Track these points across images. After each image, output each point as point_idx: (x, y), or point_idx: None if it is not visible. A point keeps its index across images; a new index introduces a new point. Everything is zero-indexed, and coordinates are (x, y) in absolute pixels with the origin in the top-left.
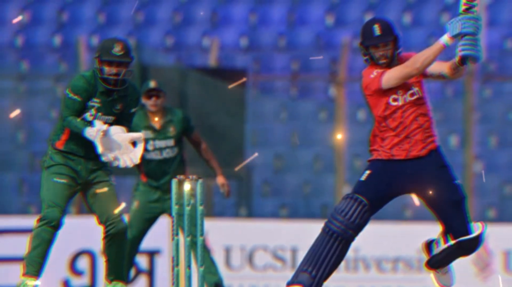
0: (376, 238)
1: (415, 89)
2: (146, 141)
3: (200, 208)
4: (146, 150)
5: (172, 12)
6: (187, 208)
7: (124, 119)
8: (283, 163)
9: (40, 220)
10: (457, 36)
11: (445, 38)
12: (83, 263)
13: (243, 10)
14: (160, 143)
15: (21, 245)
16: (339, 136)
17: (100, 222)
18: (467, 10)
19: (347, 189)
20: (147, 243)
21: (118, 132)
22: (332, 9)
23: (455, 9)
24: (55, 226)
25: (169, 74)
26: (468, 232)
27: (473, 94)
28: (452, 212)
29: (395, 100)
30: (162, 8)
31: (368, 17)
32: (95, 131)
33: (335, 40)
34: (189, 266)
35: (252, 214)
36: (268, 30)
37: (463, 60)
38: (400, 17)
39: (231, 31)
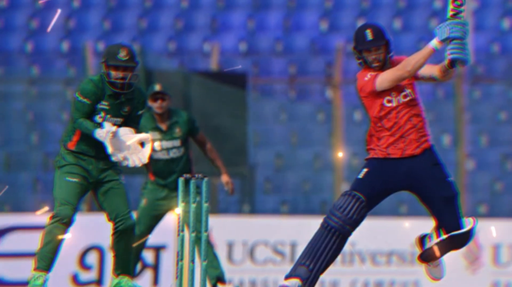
0: (372, 232)
1: (408, 90)
2: (154, 141)
3: (205, 205)
4: (153, 150)
5: (174, 19)
6: (193, 205)
7: (132, 121)
8: (283, 162)
9: (52, 217)
10: (445, 41)
11: (434, 42)
12: (92, 258)
13: (242, 17)
14: (167, 144)
15: (36, 241)
16: (340, 154)
17: (110, 219)
18: (454, 16)
19: (345, 187)
20: (153, 238)
21: (126, 133)
22: (326, 15)
23: (443, 15)
24: (67, 223)
25: (173, 78)
26: (460, 226)
27: (463, 95)
28: (445, 208)
29: (389, 101)
30: (164, 15)
31: (360, 22)
32: (104, 133)
33: (330, 44)
34: (192, 261)
35: (254, 210)
36: (265, 36)
37: (452, 63)
38: (390, 23)
39: (230, 36)
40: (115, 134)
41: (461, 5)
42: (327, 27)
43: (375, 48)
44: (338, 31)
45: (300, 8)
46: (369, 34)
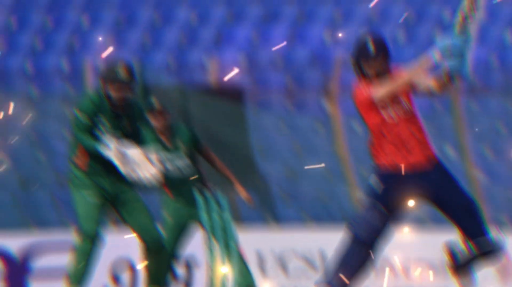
0: (402, 243)
1: (405, 102)
2: (163, 159)
3: (226, 215)
4: (165, 168)
5: (178, 33)
6: (215, 217)
7: (134, 136)
8: (293, 173)
9: (78, 234)
10: (446, 53)
11: (434, 54)
12: (123, 271)
13: (247, 30)
14: (176, 161)
15: (61, 257)
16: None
17: (137, 236)
18: (460, 28)
19: (360, 194)
20: (184, 251)
21: (132, 150)
22: (333, 27)
23: (449, 27)
24: (93, 237)
25: (171, 92)
26: (484, 233)
27: (461, 107)
28: (467, 216)
29: (387, 113)
30: (168, 29)
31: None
32: (111, 150)
33: (332, 56)
34: (222, 270)
35: (277, 220)
36: (267, 48)
37: (451, 77)
38: (395, 34)
39: (232, 50)
40: (121, 151)
41: (469, 18)
42: (333, 40)
43: (374, 59)
44: (343, 43)
45: (307, 20)
46: (369, 44)
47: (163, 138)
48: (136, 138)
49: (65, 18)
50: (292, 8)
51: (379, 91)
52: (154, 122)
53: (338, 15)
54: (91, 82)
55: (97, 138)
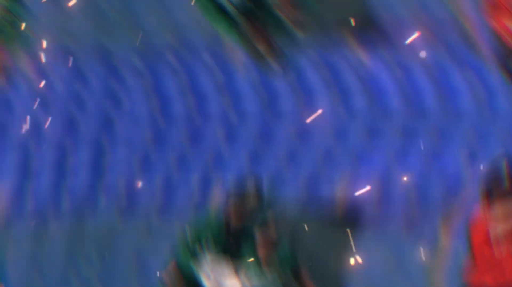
0: None
1: None
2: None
3: None
4: None
5: (314, 155)
6: None
7: (234, 255)
8: None
9: None
10: None
11: None
12: None
13: (381, 156)
14: None
15: None
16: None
17: None
18: None
19: None
20: None
21: (230, 280)
22: (470, 159)
23: None
24: None
25: (292, 217)
26: None
27: None
28: None
29: (497, 246)
30: (303, 148)
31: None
32: (209, 280)
33: (463, 187)
34: None
35: None
36: (399, 178)
37: None
38: None
39: (363, 178)
40: (219, 282)
41: None
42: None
43: (507, 190)
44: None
45: (442, 151)
46: (504, 174)
47: (263, 264)
48: (235, 256)
49: (204, 144)
50: (431, 136)
51: (499, 226)
52: (260, 246)
53: (476, 147)
54: (215, 207)
55: (196, 258)
